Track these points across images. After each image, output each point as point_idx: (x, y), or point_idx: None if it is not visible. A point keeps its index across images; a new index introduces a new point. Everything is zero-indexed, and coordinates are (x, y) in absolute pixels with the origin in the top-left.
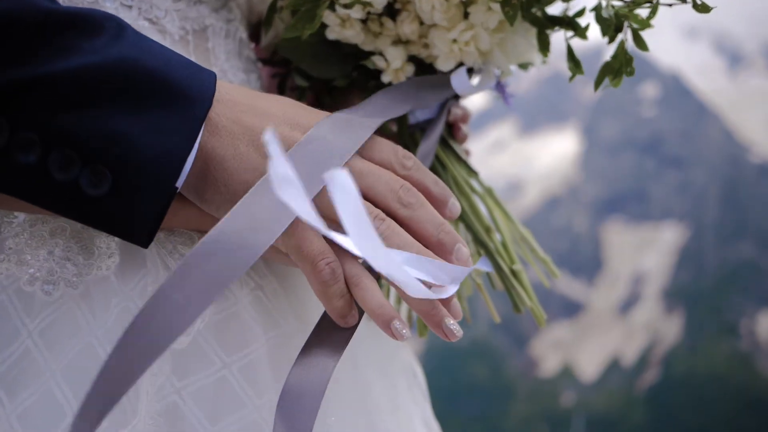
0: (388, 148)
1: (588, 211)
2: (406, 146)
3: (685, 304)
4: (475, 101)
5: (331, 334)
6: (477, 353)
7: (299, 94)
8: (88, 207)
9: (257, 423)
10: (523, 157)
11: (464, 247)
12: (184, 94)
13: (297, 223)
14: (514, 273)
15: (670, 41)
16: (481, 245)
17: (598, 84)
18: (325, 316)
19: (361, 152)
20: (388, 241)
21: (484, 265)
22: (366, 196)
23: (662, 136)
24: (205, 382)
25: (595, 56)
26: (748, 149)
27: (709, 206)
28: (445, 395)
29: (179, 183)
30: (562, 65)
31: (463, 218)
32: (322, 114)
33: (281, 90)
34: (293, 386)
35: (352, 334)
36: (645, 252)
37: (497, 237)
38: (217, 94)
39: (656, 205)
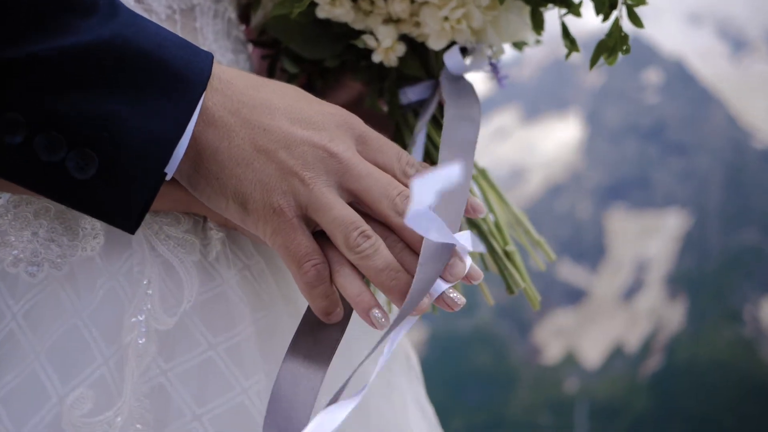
0: (391, 152)
1: (591, 197)
2: (398, 127)
3: (688, 290)
4: (477, 89)
5: (318, 336)
6: (479, 341)
7: (289, 77)
8: (73, 190)
9: (244, 405)
10: (525, 144)
11: (460, 262)
12: (178, 77)
13: (285, 223)
14: (507, 254)
15: (672, 27)
16: (474, 226)
17: (593, 63)
18: (309, 312)
19: (364, 153)
20: (366, 261)
21: (476, 246)
22: (360, 199)
23: (665, 122)
24: (191, 364)
25: (596, 41)
26: (751, 135)
27: (712, 192)
28: (448, 383)
29: (171, 170)
30: (565, 52)
31: None
32: (325, 105)
33: (271, 72)
34: (282, 398)
35: (340, 338)
36: (648, 238)
37: (491, 218)
38: (216, 81)
39: (659, 192)
